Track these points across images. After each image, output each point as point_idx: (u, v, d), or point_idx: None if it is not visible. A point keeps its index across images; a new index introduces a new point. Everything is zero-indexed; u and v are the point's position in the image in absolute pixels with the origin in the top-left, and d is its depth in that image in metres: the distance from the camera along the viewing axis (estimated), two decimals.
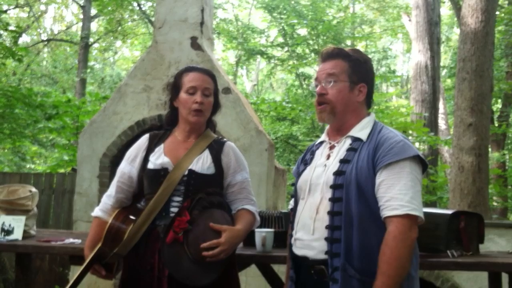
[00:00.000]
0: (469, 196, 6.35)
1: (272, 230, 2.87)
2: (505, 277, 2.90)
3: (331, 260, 1.90)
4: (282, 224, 3.07)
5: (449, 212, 2.90)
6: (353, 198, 1.90)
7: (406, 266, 1.85)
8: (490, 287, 3.03)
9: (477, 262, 2.77)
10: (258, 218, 2.45)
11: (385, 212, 1.88)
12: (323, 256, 1.94)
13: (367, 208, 1.90)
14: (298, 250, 2.05)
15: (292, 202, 2.29)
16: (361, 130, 2.05)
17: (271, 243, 2.80)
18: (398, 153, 1.91)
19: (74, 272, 5.31)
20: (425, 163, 2.00)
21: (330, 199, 1.95)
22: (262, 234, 2.79)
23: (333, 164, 2.01)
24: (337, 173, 1.96)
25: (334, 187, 1.95)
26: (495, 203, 11.20)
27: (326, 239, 1.93)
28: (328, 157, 2.07)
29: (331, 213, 1.93)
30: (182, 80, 2.40)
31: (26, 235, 3.19)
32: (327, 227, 1.93)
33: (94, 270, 2.38)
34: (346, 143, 2.06)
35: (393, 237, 1.83)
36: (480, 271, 3.53)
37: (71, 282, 2.39)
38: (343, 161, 1.98)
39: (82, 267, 2.36)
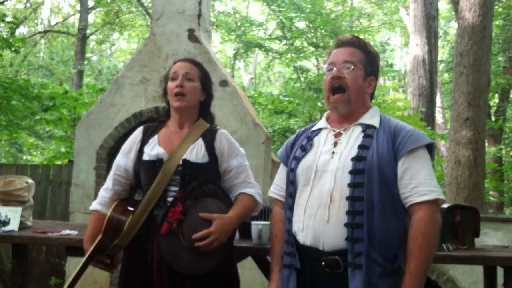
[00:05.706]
0: (465, 190, 6.37)
1: (268, 222, 2.84)
2: (500, 271, 2.92)
3: (352, 246, 1.88)
4: None
5: (445, 206, 2.92)
6: (375, 183, 1.90)
7: (435, 250, 1.90)
8: (485, 281, 3.05)
9: (472, 255, 2.79)
10: (259, 199, 2.41)
11: (413, 199, 1.90)
12: (339, 244, 1.90)
13: (388, 194, 1.92)
14: (307, 239, 1.97)
15: (278, 186, 2.24)
16: (372, 118, 2.07)
17: (267, 236, 2.79)
18: (418, 140, 1.96)
19: (71, 263, 5.32)
20: (432, 152, 2.04)
21: (349, 185, 1.92)
22: (258, 226, 2.79)
23: (348, 150, 1.99)
24: (357, 159, 1.95)
25: (354, 172, 1.93)
26: (491, 198, 11.23)
27: (346, 225, 1.90)
28: (335, 144, 2.05)
29: (352, 199, 1.91)
30: (169, 72, 2.45)
31: (22, 226, 3.19)
32: (347, 212, 1.90)
33: (97, 262, 2.36)
34: (356, 130, 2.05)
35: (424, 223, 1.87)
36: (475, 264, 3.54)
37: (73, 275, 2.34)
38: (361, 147, 1.97)
39: (83, 261, 2.34)
